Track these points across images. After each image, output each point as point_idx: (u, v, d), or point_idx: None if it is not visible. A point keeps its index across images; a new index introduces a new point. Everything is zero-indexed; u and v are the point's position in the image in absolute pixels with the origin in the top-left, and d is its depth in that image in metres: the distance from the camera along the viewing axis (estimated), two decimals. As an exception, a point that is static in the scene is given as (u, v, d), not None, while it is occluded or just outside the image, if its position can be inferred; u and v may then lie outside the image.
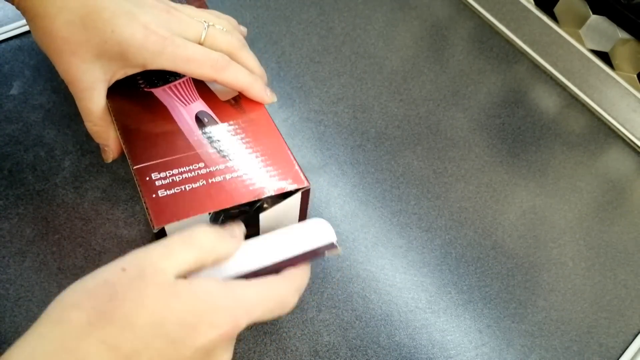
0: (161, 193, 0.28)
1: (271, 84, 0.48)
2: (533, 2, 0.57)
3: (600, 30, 0.52)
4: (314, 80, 0.49)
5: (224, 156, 0.31)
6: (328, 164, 0.44)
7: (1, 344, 0.33)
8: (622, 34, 0.51)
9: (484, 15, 0.59)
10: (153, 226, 0.27)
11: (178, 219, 0.27)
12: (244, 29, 0.39)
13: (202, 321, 0.24)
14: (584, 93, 0.54)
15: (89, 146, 0.41)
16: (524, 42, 0.57)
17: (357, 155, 0.45)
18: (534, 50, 0.56)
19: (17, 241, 0.36)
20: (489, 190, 0.46)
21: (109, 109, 0.33)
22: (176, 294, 0.23)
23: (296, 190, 0.30)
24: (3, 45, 0.45)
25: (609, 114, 0.53)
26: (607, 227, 0.46)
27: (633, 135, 0.52)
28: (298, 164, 0.31)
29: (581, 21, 0.54)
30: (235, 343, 0.34)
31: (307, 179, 0.30)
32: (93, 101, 0.32)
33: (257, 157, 0.31)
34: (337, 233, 0.40)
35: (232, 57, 0.33)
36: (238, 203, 0.29)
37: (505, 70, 0.55)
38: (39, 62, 0.45)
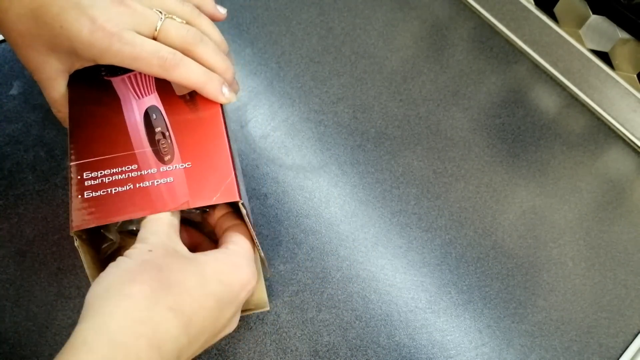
0: (87, 194, 0.28)
1: (271, 84, 0.48)
2: (533, 2, 0.57)
3: (600, 30, 0.52)
4: (314, 80, 0.49)
5: (160, 158, 0.29)
6: (328, 164, 0.44)
7: (1, 343, 0.33)
8: (622, 34, 0.51)
9: (484, 15, 0.59)
10: (71, 228, 0.27)
11: (93, 225, 0.27)
12: (222, 13, 0.36)
13: (234, 279, 0.28)
14: (584, 93, 0.54)
15: (89, 146, 0.41)
16: (524, 42, 0.57)
17: (357, 155, 0.45)
18: (534, 50, 0.56)
19: (17, 241, 0.36)
20: (489, 190, 0.46)
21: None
22: (201, 262, 0.27)
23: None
24: (3, 45, 0.45)
25: (609, 114, 0.53)
26: (607, 227, 0.46)
27: (633, 135, 0.52)
28: (236, 174, 0.30)
29: (581, 21, 0.54)
30: (235, 343, 0.34)
31: (239, 194, 0.29)
32: (55, 89, 0.32)
33: (194, 162, 0.29)
34: (337, 233, 0.40)
35: (186, 52, 0.31)
36: (157, 212, 0.28)
37: (505, 70, 0.55)
38: (39, 62, 0.45)
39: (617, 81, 0.52)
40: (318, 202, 0.42)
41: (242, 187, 0.31)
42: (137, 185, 0.28)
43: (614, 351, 0.39)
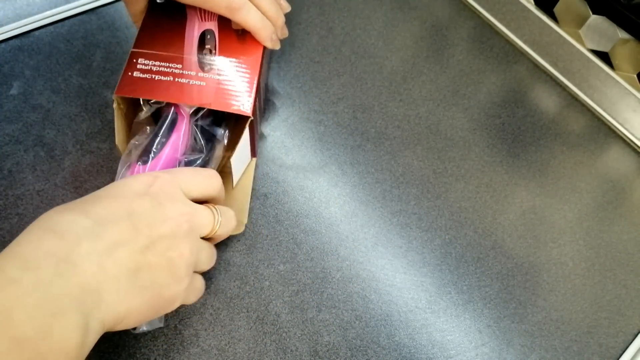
0: (136, 74, 0.35)
1: (271, 83, 0.48)
2: (533, 2, 0.57)
3: (600, 30, 0.52)
4: (314, 80, 0.49)
5: (201, 67, 0.36)
6: (328, 164, 0.44)
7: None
8: (622, 34, 0.51)
9: (484, 15, 0.59)
10: (114, 93, 0.34)
11: (131, 95, 0.34)
12: None
13: (121, 192, 0.28)
14: (584, 93, 0.54)
15: (89, 146, 0.41)
16: (524, 42, 0.57)
17: (357, 155, 0.45)
18: (534, 50, 0.56)
19: (17, 241, 0.36)
20: (489, 190, 0.46)
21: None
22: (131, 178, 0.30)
23: (239, 118, 0.37)
24: (3, 45, 0.45)
25: (609, 114, 0.53)
26: (607, 227, 0.46)
27: (633, 135, 0.52)
28: (256, 99, 0.37)
29: (581, 21, 0.54)
30: (236, 343, 0.34)
31: (253, 113, 0.36)
32: (137, 5, 0.38)
33: (227, 79, 0.36)
34: (337, 233, 0.40)
35: None
36: (184, 103, 0.35)
37: (505, 70, 0.55)
38: (39, 62, 0.45)
39: (617, 81, 0.52)
40: (318, 202, 0.42)
41: (259, 115, 0.41)
42: (176, 79, 0.35)
43: (614, 351, 0.39)
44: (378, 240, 0.41)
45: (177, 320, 0.35)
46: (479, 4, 0.59)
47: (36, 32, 0.47)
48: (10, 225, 0.37)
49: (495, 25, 0.58)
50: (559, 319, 0.40)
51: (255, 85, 0.36)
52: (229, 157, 0.36)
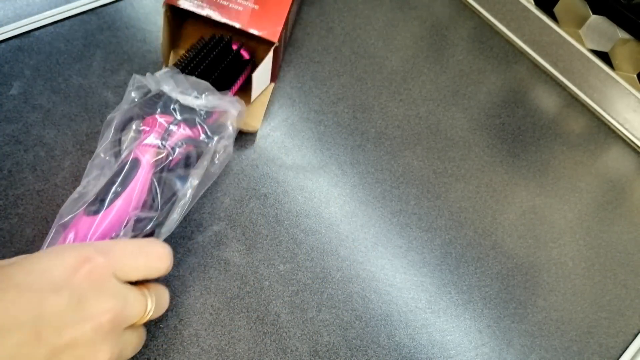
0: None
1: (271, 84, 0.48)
2: (533, 2, 0.57)
3: (600, 30, 0.52)
4: (314, 80, 0.49)
5: None
6: (328, 164, 0.44)
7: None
8: (622, 34, 0.51)
9: (484, 15, 0.59)
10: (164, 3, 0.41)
11: (179, 5, 0.41)
12: None
13: (53, 265, 0.25)
14: (584, 93, 0.54)
15: (89, 146, 0.41)
16: (524, 42, 0.57)
17: (357, 155, 0.45)
18: (534, 50, 0.56)
19: (17, 241, 0.36)
20: (489, 190, 0.46)
21: None
22: (18, 263, 0.25)
23: (264, 42, 0.42)
24: (3, 45, 0.45)
25: (609, 114, 0.53)
26: (607, 227, 0.46)
27: (633, 135, 0.52)
28: (285, 35, 0.45)
29: (581, 21, 0.54)
30: (236, 343, 0.34)
31: (279, 41, 0.41)
32: None
33: (260, 9, 0.43)
34: (337, 233, 0.40)
35: None
36: (222, 19, 0.41)
37: (505, 70, 0.55)
38: (39, 62, 0.45)
39: (617, 81, 0.52)
40: (318, 202, 0.42)
41: (283, 47, 0.46)
42: (219, 2, 0.42)
43: (614, 351, 0.39)
44: (378, 240, 0.41)
45: (177, 320, 0.35)
46: (479, 4, 0.59)
47: (36, 32, 0.47)
48: (10, 225, 0.37)
49: (495, 25, 0.58)
50: (559, 319, 0.40)
51: (285, 19, 0.43)
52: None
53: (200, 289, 0.36)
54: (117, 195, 0.31)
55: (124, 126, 0.35)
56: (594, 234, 0.45)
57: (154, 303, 0.28)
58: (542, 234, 0.44)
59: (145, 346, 0.33)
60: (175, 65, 0.39)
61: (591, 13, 0.53)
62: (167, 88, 0.35)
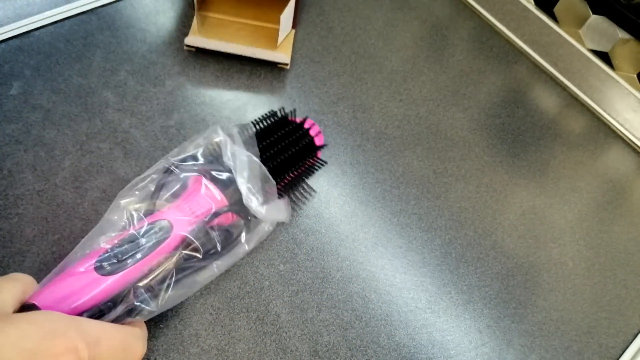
0: None
1: (271, 83, 0.48)
2: (533, 2, 0.57)
3: (600, 30, 0.52)
4: (314, 80, 0.49)
5: None
6: (328, 164, 0.44)
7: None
8: (622, 34, 0.51)
9: (484, 15, 0.59)
10: None
11: None
12: None
13: (42, 349, 0.23)
14: (584, 93, 0.54)
15: (89, 146, 0.41)
16: (524, 42, 0.57)
17: (357, 155, 0.45)
18: (534, 50, 0.56)
19: (17, 241, 0.36)
20: (489, 190, 0.46)
21: None
22: (13, 324, 0.23)
23: None
24: (3, 45, 0.45)
25: (609, 114, 0.53)
26: (607, 227, 0.46)
27: (633, 135, 0.52)
28: None
29: (581, 21, 0.54)
30: (236, 343, 0.34)
31: None
32: None
33: None
34: (337, 233, 0.40)
35: None
36: None
37: (505, 70, 0.55)
38: (39, 62, 0.45)
39: (617, 81, 0.52)
40: (318, 202, 0.42)
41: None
42: None
43: (614, 351, 0.39)
44: (378, 240, 0.41)
45: (177, 320, 0.35)
46: (479, 4, 0.59)
47: (36, 32, 0.47)
48: (10, 225, 0.37)
49: (495, 25, 0.58)
50: (559, 319, 0.40)
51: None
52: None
53: (200, 289, 0.36)
54: (135, 261, 0.29)
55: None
56: (594, 234, 0.45)
57: None
58: (542, 234, 0.44)
59: (145, 346, 0.33)
60: (260, 149, 0.36)
61: (591, 13, 0.53)
62: (240, 180, 0.33)
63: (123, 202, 0.32)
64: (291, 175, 0.38)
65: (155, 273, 0.30)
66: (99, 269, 0.28)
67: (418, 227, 0.42)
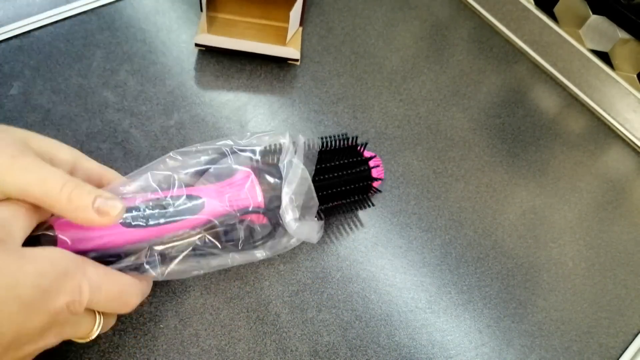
0: None
1: (271, 83, 0.48)
2: (533, 2, 0.57)
3: (600, 30, 0.52)
4: (314, 80, 0.49)
5: None
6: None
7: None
8: (622, 34, 0.51)
9: (484, 15, 0.59)
10: None
11: None
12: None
13: (54, 285, 0.24)
14: (584, 93, 0.54)
15: (89, 146, 0.41)
16: (524, 42, 0.57)
17: (357, 155, 0.45)
18: (534, 50, 0.56)
19: (17, 241, 0.36)
20: (489, 190, 0.46)
21: None
22: (27, 259, 0.23)
23: None
24: (3, 45, 0.45)
25: (609, 114, 0.53)
26: (607, 227, 0.46)
27: (633, 135, 0.52)
28: None
29: (581, 21, 0.54)
30: (236, 343, 0.34)
31: None
32: None
33: None
34: (336, 233, 0.40)
35: None
36: None
37: (505, 70, 0.55)
38: (39, 62, 0.45)
39: (617, 81, 0.52)
40: (318, 202, 0.42)
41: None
42: None
43: (614, 351, 0.39)
44: (378, 240, 0.41)
45: (177, 320, 0.35)
46: (479, 4, 0.59)
47: (36, 32, 0.47)
48: (10, 225, 0.36)
49: (495, 25, 0.58)
50: (559, 319, 0.40)
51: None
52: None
53: (200, 289, 0.36)
54: (158, 224, 0.29)
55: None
56: (594, 234, 0.45)
57: (98, 328, 0.28)
58: (542, 234, 0.44)
59: (145, 346, 0.33)
60: (316, 170, 0.35)
61: (591, 13, 0.53)
62: (286, 190, 0.33)
63: (171, 162, 0.33)
64: (337, 203, 0.37)
65: (173, 243, 0.30)
66: (123, 222, 0.29)
67: (418, 227, 0.42)
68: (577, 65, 0.54)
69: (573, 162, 0.49)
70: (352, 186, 0.37)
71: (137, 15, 0.50)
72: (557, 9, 0.55)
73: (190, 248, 0.31)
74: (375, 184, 0.39)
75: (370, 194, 0.38)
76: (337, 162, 0.37)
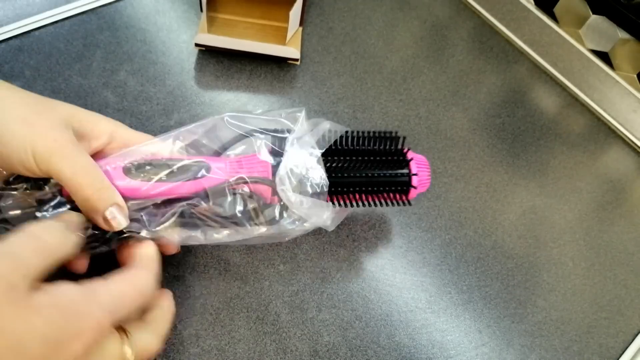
0: None
1: (271, 83, 0.48)
2: (533, 2, 0.57)
3: (600, 30, 0.52)
4: (314, 80, 0.49)
5: None
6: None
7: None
8: (622, 34, 0.51)
9: (484, 15, 0.59)
10: None
11: None
12: None
13: (66, 334, 0.22)
14: (584, 93, 0.54)
15: (89, 146, 0.41)
16: (524, 42, 0.57)
17: (357, 155, 0.45)
18: (534, 50, 0.56)
19: (17, 241, 0.36)
20: (489, 190, 0.46)
21: None
22: (34, 309, 0.22)
23: None
24: (3, 45, 0.45)
25: (609, 114, 0.53)
26: (607, 227, 0.46)
27: (633, 135, 0.52)
28: None
29: (581, 21, 0.54)
30: (236, 343, 0.34)
31: None
32: None
33: None
34: (336, 232, 0.40)
35: None
36: None
37: (505, 70, 0.55)
38: (39, 62, 0.45)
39: (617, 81, 0.52)
40: (318, 202, 0.42)
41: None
42: None
43: (614, 351, 0.39)
44: (378, 240, 0.41)
45: (177, 320, 0.35)
46: (479, 4, 0.59)
47: (36, 32, 0.47)
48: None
49: (495, 25, 0.58)
50: (559, 319, 0.40)
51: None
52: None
53: (200, 289, 0.36)
54: (161, 182, 0.30)
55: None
56: (594, 234, 0.45)
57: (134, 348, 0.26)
58: (542, 234, 0.44)
59: (145, 346, 0.33)
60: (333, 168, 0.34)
61: (591, 13, 0.53)
62: (284, 164, 0.32)
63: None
64: (357, 195, 0.35)
65: (167, 207, 0.31)
66: (127, 169, 0.30)
67: (418, 227, 0.42)
68: (577, 65, 0.54)
69: (573, 162, 0.49)
70: (379, 188, 0.35)
71: (137, 15, 0.50)
72: (557, 9, 0.55)
73: (181, 211, 0.31)
74: (412, 194, 0.35)
75: (398, 200, 0.35)
76: (370, 158, 0.35)
